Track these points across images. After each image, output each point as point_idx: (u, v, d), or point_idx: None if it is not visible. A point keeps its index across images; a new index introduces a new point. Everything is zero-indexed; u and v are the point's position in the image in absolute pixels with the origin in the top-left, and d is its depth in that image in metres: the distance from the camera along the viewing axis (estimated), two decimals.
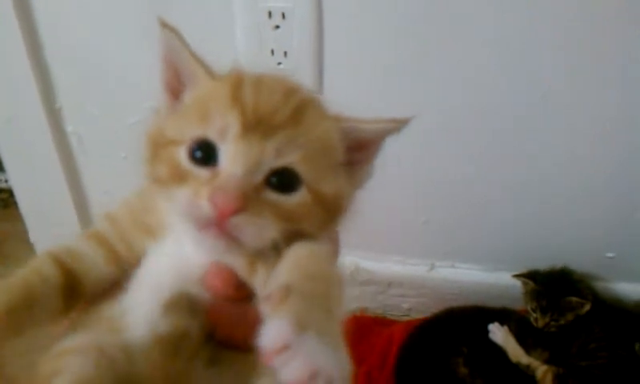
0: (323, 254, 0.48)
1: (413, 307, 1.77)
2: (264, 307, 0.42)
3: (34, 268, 0.50)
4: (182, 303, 0.51)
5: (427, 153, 1.46)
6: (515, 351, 1.50)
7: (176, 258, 0.53)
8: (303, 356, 0.38)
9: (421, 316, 1.70)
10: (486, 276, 1.66)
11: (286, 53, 1.36)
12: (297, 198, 0.49)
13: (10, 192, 1.85)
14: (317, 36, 1.34)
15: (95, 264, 0.53)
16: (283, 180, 0.49)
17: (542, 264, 1.54)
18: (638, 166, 1.43)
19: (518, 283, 1.55)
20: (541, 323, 1.48)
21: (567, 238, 1.56)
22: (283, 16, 1.32)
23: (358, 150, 0.55)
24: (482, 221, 1.59)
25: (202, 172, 0.49)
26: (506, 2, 1.27)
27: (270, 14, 1.32)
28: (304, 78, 1.29)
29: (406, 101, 1.40)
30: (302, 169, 0.49)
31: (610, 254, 1.56)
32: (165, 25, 0.54)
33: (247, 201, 0.46)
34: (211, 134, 0.49)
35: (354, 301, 1.75)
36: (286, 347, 0.38)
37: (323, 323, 0.41)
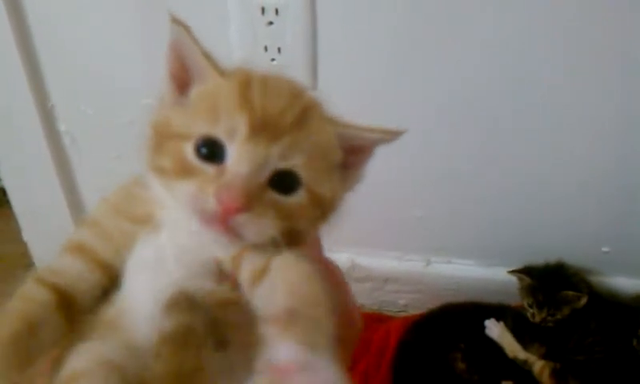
0: (314, 276, 0.49)
1: (409, 303, 1.77)
2: (267, 328, 0.44)
3: (24, 297, 0.49)
4: (182, 300, 0.51)
5: (423, 149, 1.45)
6: (512, 347, 1.50)
7: (173, 251, 0.53)
8: (321, 377, 0.41)
9: (417, 312, 1.69)
10: (483, 271, 1.66)
11: (279, 49, 1.35)
12: (296, 199, 0.52)
13: (2, 191, 1.84)
14: (310, 32, 1.34)
15: (80, 275, 0.52)
16: (285, 181, 0.51)
17: (538, 259, 1.53)
18: (634, 161, 1.43)
19: (514, 279, 1.55)
20: (537, 318, 1.48)
21: (563, 232, 1.56)
22: (277, 12, 1.31)
23: (352, 154, 0.58)
24: (478, 216, 1.59)
25: (208, 168, 0.50)
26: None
27: (263, 10, 1.32)
28: (298, 74, 1.28)
29: (402, 97, 1.40)
30: (303, 172, 0.52)
31: (606, 249, 1.56)
32: (175, 20, 0.54)
33: (251, 200, 0.49)
34: (219, 133, 0.50)
35: None
36: (302, 368, 0.40)
37: (329, 348, 0.43)
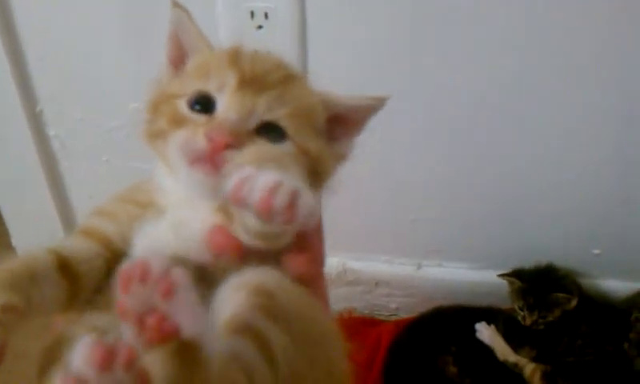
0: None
1: (400, 307, 1.77)
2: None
3: (25, 254, 0.50)
4: None
5: (414, 152, 1.46)
6: (503, 350, 1.50)
7: (173, 224, 0.54)
8: (264, 176, 0.43)
9: (409, 316, 1.69)
10: (473, 275, 1.66)
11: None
12: (282, 147, 0.54)
13: None
14: (300, 36, 1.33)
15: (81, 246, 0.53)
16: (271, 132, 0.54)
17: (529, 261, 1.54)
18: (624, 163, 1.43)
19: (504, 282, 1.55)
20: (528, 321, 1.48)
21: (553, 235, 1.56)
22: (266, 16, 1.31)
23: (338, 124, 0.61)
24: (469, 219, 1.59)
25: (200, 118, 0.54)
26: None
27: (252, 14, 1.31)
28: None
29: (393, 101, 1.39)
30: (287, 124, 0.55)
31: (597, 251, 1.57)
32: (176, 4, 0.59)
33: (239, 139, 0.51)
34: (210, 88, 0.54)
35: (341, 301, 1.74)
36: (248, 179, 0.43)
37: (279, 166, 0.46)
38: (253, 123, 0.53)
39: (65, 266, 0.50)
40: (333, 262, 1.67)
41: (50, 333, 0.50)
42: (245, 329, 0.44)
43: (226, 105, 0.53)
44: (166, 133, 0.54)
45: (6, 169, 1.69)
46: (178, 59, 0.61)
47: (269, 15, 1.31)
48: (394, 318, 1.76)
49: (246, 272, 0.50)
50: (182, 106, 0.55)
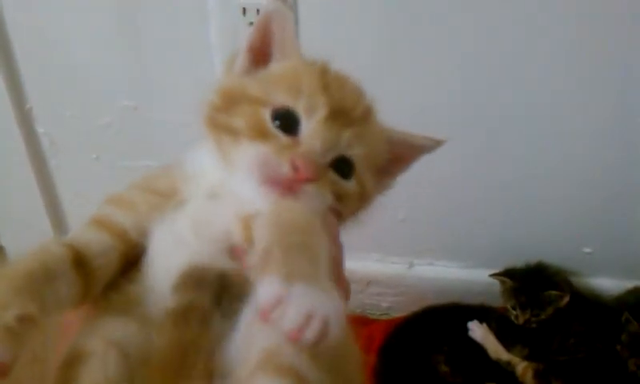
0: (298, 208, 0.52)
1: (392, 306, 1.76)
2: (254, 274, 0.45)
3: (41, 248, 0.48)
4: (190, 277, 0.51)
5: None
6: (495, 348, 1.50)
7: (194, 222, 0.54)
8: (296, 303, 0.41)
9: (400, 314, 1.69)
10: (465, 273, 1.67)
11: None
12: (350, 185, 0.57)
13: None
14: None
15: (95, 239, 0.52)
16: (344, 167, 0.56)
17: (521, 260, 1.54)
18: (616, 163, 1.44)
19: (496, 280, 1.55)
20: (521, 320, 1.49)
21: (545, 233, 1.56)
22: (258, 12, 1.30)
23: (393, 162, 0.63)
24: (460, 218, 1.59)
25: (282, 136, 0.54)
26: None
27: (244, 10, 1.31)
28: None
29: (386, 100, 1.39)
30: (359, 163, 0.57)
31: (588, 250, 1.57)
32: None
33: (320, 173, 0.53)
34: (299, 108, 0.55)
35: None
36: (279, 302, 0.41)
37: (308, 271, 0.44)
38: (332, 156, 0.55)
39: (80, 262, 0.49)
40: None
41: (63, 338, 0.50)
42: (285, 371, 0.43)
43: (313, 133, 0.54)
44: (240, 135, 0.54)
45: None
46: (259, 51, 0.60)
47: (261, 12, 1.30)
48: (385, 317, 1.76)
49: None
50: (267, 117, 0.54)
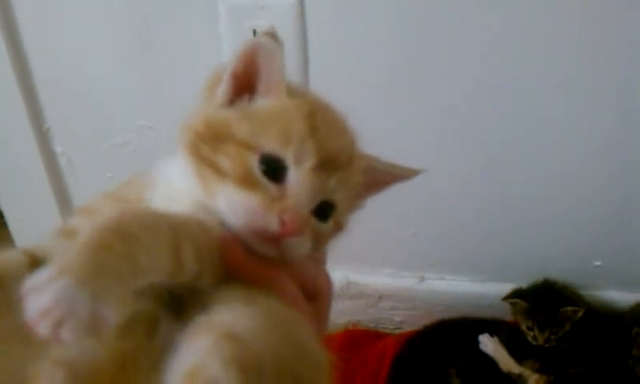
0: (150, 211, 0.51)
1: (404, 320, 1.77)
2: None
3: (0, 253, 0.50)
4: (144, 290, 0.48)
5: (416, 165, 1.46)
6: (506, 361, 1.50)
7: None
8: (46, 296, 0.38)
9: (413, 328, 1.70)
10: (476, 287, 1.67)
11: None
12: (327, 226, 0.57)
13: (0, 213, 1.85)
14: (302, 55, 1.36)
15: (57, 248, 0.52)
16: (325, 210, 0.56)
17: (531, 273, 1.55)
18: (625, 175, 1.44)
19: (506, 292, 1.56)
20: (541, 340, 1.47)
21: (555, 247, 1.56)
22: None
23: (368, 187, 0.63)
24: (471, 232, 1.60)
25: (269, 186, 0.53)
26: (498, 14, 1.28)
27: (254, 32, 1.33)
28: None
29: (394, 117, 1.41)
30: (340, 204, 0.57)
31: (597, 263, 1.57)
32: (272, 35, 0.56)
33: (305, 227, 0.53)
34: (287, 156, 0.53)
35: (345, 314, 1.75)
36: (37, 290, 0.38)
37: (91, 271, 0.40)
38: (316, 203, 0.55)
39: (37, 266, 0.47)
40: (336, 276, 1.66)
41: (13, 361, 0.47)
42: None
43: (302, 183, 0.53)
44: (226, 177, 0.53)
45: (14, 186, 1.72)
46: (242, 79, 0.57)
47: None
48: (398, 331, 1.77)
49: (218, 307, 0.46)
50: (255, 165, 0.53)
